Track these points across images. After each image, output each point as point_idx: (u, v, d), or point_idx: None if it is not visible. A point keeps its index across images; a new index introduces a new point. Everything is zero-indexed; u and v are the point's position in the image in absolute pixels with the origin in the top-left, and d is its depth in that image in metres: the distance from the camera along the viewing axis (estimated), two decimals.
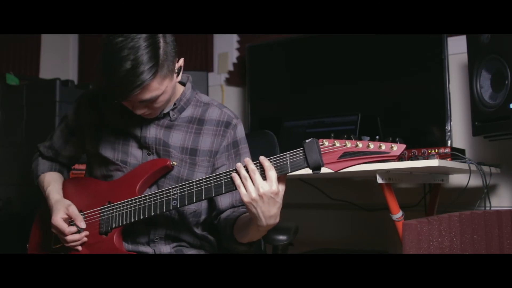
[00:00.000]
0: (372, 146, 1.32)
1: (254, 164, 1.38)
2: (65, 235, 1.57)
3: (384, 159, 1.33)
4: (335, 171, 1.35)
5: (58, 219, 1.57)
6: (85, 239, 1.59)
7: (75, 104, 1.73)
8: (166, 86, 1.48)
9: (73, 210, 1.59)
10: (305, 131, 2.44)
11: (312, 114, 2.50)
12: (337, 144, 1.34)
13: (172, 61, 1.48)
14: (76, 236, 1.57)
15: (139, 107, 1.50)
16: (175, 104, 1.62)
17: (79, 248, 1.59)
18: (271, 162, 1.37)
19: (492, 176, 2.18)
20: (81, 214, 1.61)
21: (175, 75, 1.52)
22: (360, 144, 1.33)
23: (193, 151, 1.61)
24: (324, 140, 1.35)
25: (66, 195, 1.67)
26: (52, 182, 1.72)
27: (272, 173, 1.36)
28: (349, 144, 1.33)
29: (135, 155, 1.62)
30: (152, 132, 1.60)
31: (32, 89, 2.80)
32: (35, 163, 1.82)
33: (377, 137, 1.35)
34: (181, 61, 1.54)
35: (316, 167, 1.35)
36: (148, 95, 1.45)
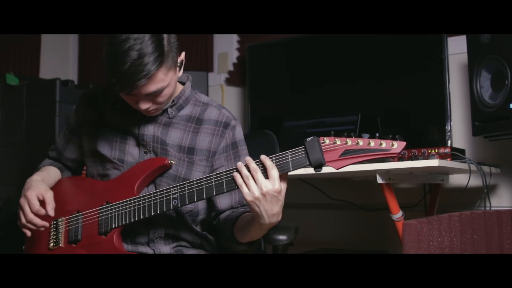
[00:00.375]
0: (373, 143, 1.32)
1: (255, 162, 1.38)
2: (31, 212, 1.52)
3: (385, 157, 1.33)
4: (337, 169, 1.35)
5: (33, 194, 1.54)
6: (42, 229, 1.55)
7: (76, 104, 1.73)
8: (171, 78, 1.49)
9: (50, 196, 1.56)
10: (305, 131, 2.44)
11: (312, 114, 2.50)
12: (338, 142, 1.34)
13: (176, 52, 1.49)
14: (37, 220, 1.53)
15: (144, 101, 1.49)
16: (173, 101, 1.62)
17: (28, 232, 1.56)
18: (272, 160, 1.37)
19: (492, 176, 2.18)
20: (79, 215, 1.61)
21: (177, 68, 1.52)
22: (361, 142, 1.33)
23: (190, 149, 1.61)
24: (325, 138, 1.35)
25: (62, 195, 1.66)
26: (45, 172, 1.71)
27: (274, 172, 1.35)
28: (350, 142, 1.33)
29: (132, 153, 1.62)
30: (150, 130, 1.60)
31: (32, 89, 2.80)
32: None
33: (377, 134, 1.35)
34: (183, 55, 1.55)
35: (318, 165, 1.35)
36: (154, 86, 1.45)
